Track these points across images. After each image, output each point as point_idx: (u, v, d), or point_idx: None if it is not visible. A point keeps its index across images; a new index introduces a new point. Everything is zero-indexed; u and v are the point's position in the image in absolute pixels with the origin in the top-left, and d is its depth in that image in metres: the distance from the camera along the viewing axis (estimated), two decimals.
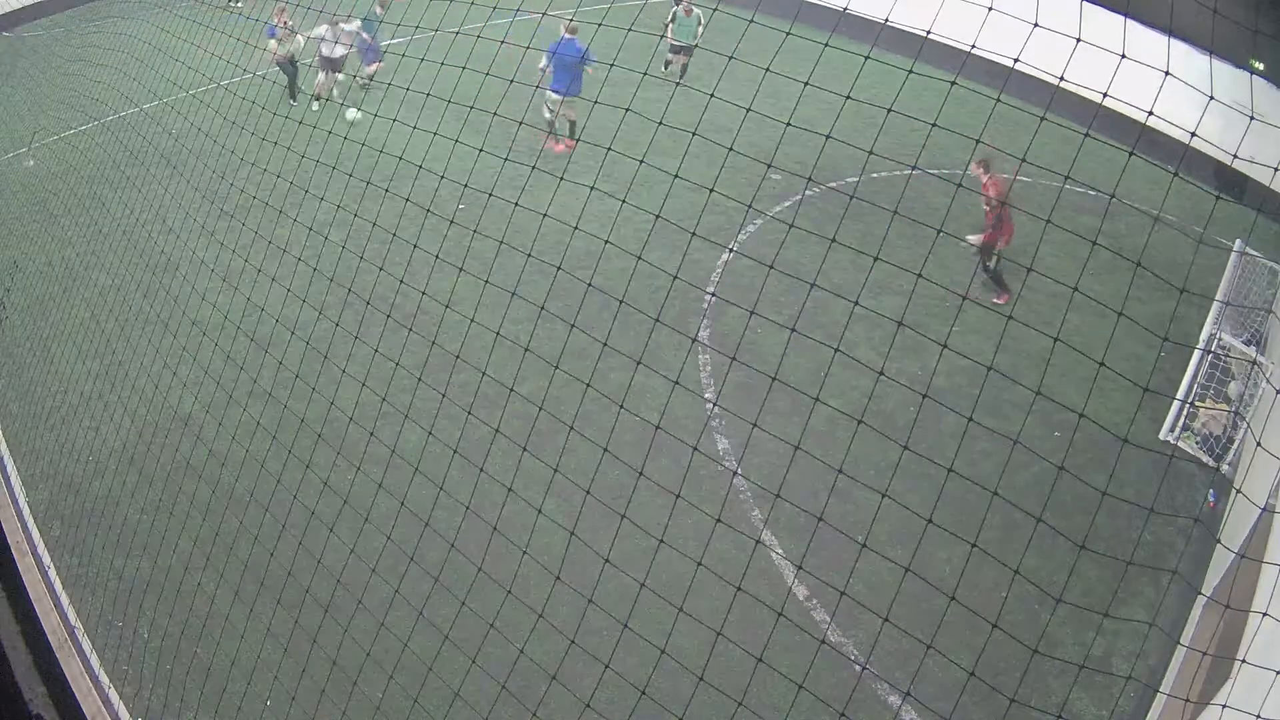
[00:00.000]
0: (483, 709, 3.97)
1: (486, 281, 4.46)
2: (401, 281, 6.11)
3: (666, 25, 13.31)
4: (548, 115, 10.79)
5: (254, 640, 4.50)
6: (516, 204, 4.01)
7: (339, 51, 12.24)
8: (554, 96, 10.51)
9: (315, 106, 11.97)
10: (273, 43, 12.15)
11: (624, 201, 4.46)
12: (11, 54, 14.36)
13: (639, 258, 5.46)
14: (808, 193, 10.16)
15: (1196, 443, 6.58)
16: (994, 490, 3.13)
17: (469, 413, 4.26)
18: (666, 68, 13.57)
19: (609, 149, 3.57)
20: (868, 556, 4.62)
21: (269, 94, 11.46)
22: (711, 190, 4.06)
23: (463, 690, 3.81)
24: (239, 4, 15.98)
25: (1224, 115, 3.29)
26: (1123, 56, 2.89)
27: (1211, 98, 2.98)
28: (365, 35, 12.55)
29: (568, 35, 10.22)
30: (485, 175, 6.60)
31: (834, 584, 4.84)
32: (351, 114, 11.05)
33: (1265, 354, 6.93)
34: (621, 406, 4.25)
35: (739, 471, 5.96)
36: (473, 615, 4.07)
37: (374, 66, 12.86)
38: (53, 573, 4.88)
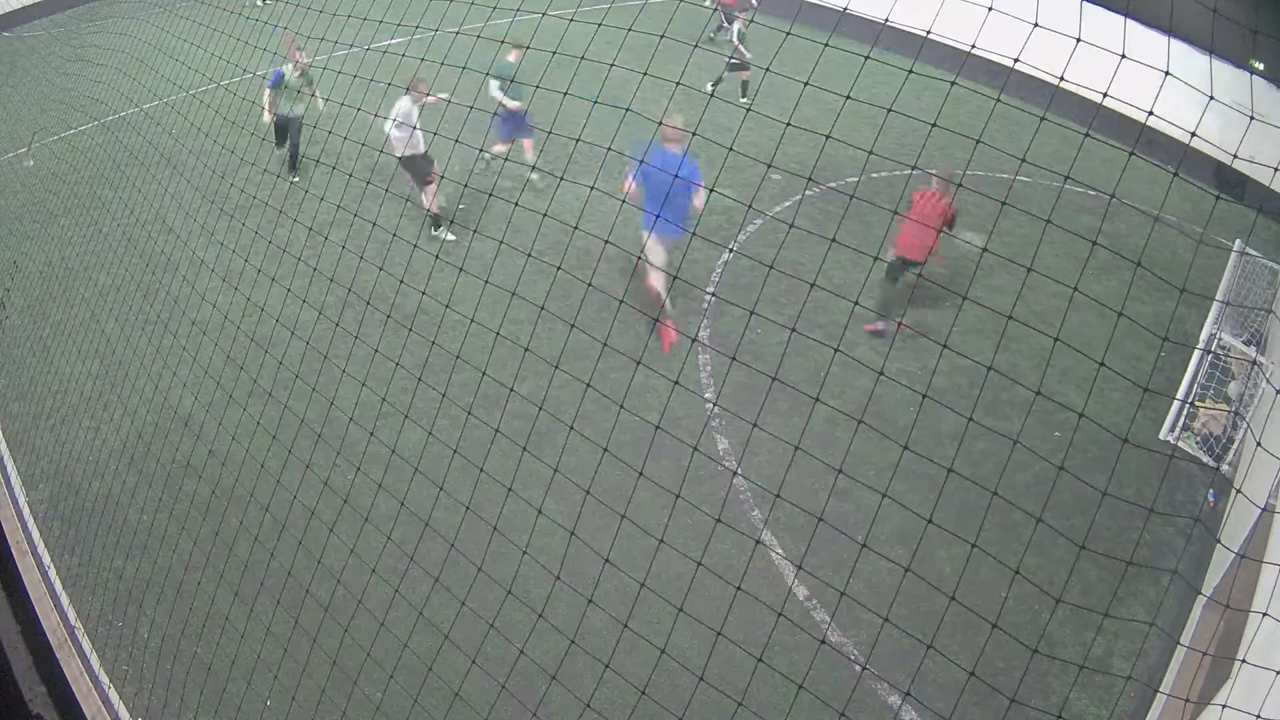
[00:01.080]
0: (483, 709, 3.97)
1: (486, 281, 4.46)
2: (401, 281, 6.11)
3: (738, 46, 12.25)
4: (656, 293, 7.09)
5: (254, 640, 4.50)
6: (516, 204, 4.01)
7: (418, 143, 8.29)
8: (656, 248, 6.78)
9: (447, 234, 8.65)
10: (268, 95, 9.35)
11: (624, 201, 4.47)
12: (11, 54, 14.37)
13: (639, 257, 5.46)
14: (808, 193, 10.16)
15: (1196, 443, 6.58)
16: (994, 490, 3.14)
17: (469, 413, 4.26)
18: (745, 92, 12.53)
19: (609, 149, 3.57)
20: (868, 556, 4.62)
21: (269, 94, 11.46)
22: (711, 190, 4.06)
23: (463, 690, 3.81)
24: (259, 1, 14.92)
25: (1224, 115, 3.29)
26: (1123, 56, 2.89)
27: (1211, 98, 2.98)
28: (503, 99, 9.13)
29: (670, 147, 6.51)
30: (485, 175, 6.61)
31: (834, 584, 4.84)
32: (442, 232, 8.63)
33: (1265, 354, 6.93)
34: (621, 406, 4.25)
35: (739, 471, 5.95)
36: (473, 615, 4.07)
37: (526, 142, 9.52)
38: (53, 573, 4.88)
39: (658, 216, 6.33)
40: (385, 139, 8.09)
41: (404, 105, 8.05)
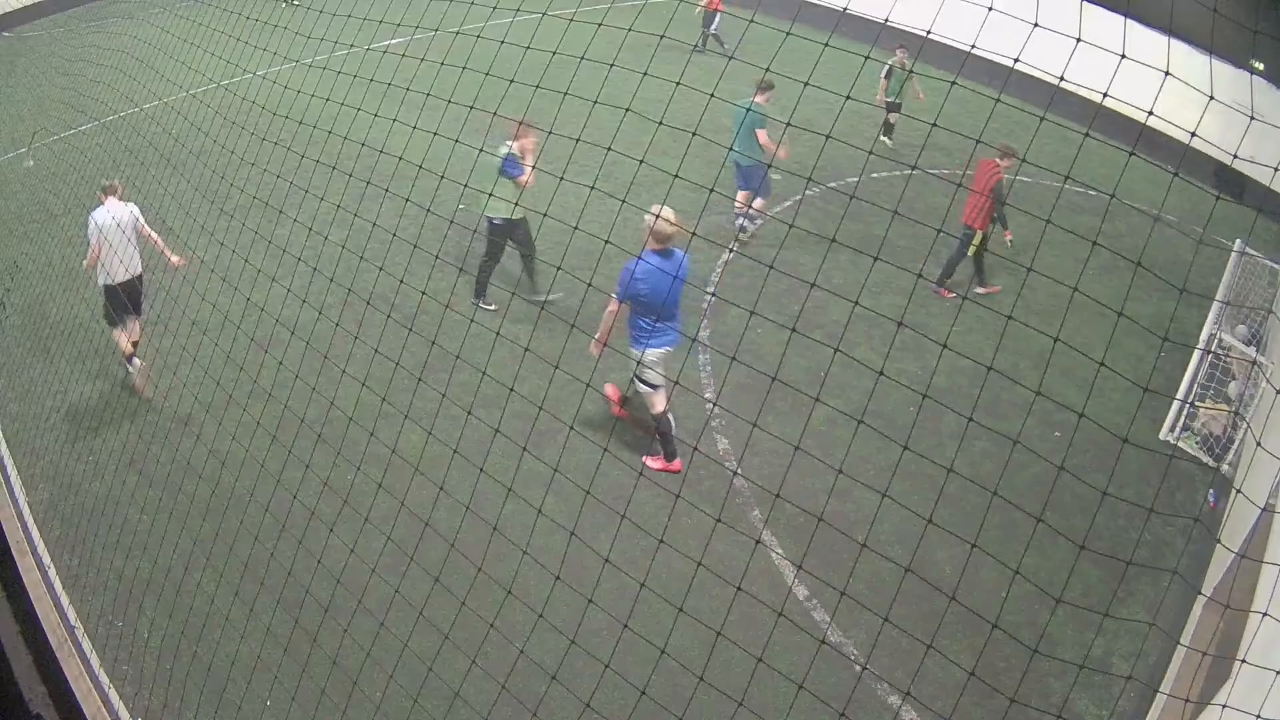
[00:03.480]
0: (483, 709, 3.97)
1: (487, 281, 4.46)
2: (401, 281, 6.11)
3: (881, 82, 11.43)
4: None
5: (254, 640, 4.51)
6: (516, 204, 4.01)
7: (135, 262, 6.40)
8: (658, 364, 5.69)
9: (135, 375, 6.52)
10: (511, 187, 6.97)
11: (624, 201, 4.46)
12: (11, 54, 14.37)
13: (639, 258, 5.46)
14: (808, 193, 10.16)
15: (1196, 443, 6.58)
16: (994, 490, 3.13)
17: (469, 413, 4.26)
18: (889, 136, 11.80)
19: (609, 149, 3.57)
20: (868, 556, 4.62)
21: (269, 94, 11.47)
22: (711, 190, 4.07)
23: (463, 690, 3.81)
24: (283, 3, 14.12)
25: (1224, 115, 3.29)
26: (1123, 56, 2.88)
27: (1211, 98, 2.98)
28: (771, 145, 8.38)
29: (660, 247, 5.49)
30: (485, 174, 6.61)
31: (834, 584, 4.84)
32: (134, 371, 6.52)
33: (1265, 354, 6.94)
34: (621, 406, 4.24)
35: (739, 471, 5.95)
36: (473, 615, 4.07)
37: (759, 203, 8.90)
38: (53, 573, 4.87)
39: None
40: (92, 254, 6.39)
41: (116, 210, 6.38)
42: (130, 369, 6.66)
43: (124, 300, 6.45)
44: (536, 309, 6.18)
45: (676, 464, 5.91)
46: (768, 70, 3.47)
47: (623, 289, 5.48)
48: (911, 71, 11.04)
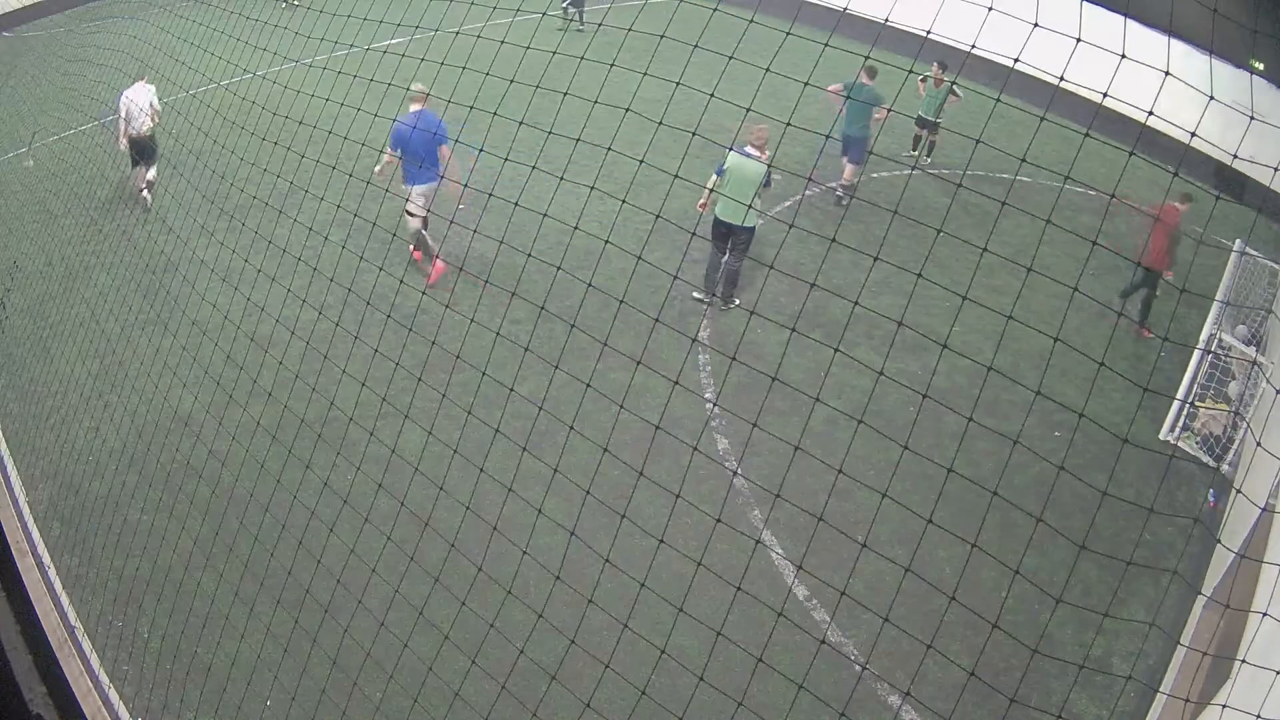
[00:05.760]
0: (483, 709, 3.96)
1: (486, 281, 4.46)
2: (401, 281, 6.12)
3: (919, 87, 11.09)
4: None
5: (254, 640, 4.51)
6: (516, 204, 4.01)
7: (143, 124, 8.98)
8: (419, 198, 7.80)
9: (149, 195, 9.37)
10: (755, 198, 7.19)
11: (624, 201, 4.48)
12: (11, 54, 14.35)
13: (639, 258, 5.45)
14: (807, 193, 10.16)
15: (1196, 443, 6.58)
16: (994, 490, 3.13)
17: (469, 413, 4.26)
18: (917, 147, 11.38)
19: (609, 149, 3.57)
20: (868, 556, 4.61)
21: (269, 94, 11.45)
22: (711, 190, 4.06)
23: (463, 690, 3.81)
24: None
25: (1224, 115, 3.28)
26: (1123, 56, 2.88)
27: (1211, 98, 2.98)
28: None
29: (415, 106, 7.67)
30: (485, 175, 6.60)
31: (834, 584, 4.84)
32: (147, 195, 9.29)
33: (1265, 354, 6.94)
34: (621, 406, 4.25)
35: (739, 471, 5.95)
36: (473, 615, 4.07)
37: (850, 170, 9.83)
38: (53, 573, 4.87)
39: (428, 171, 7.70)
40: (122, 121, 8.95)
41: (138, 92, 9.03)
42: (146, 195, 9.26)
43: (137, 149, 9.16)
44: (536, 309, 6.19)
45: (438, 267, 7.83)
46: (767, 69, 3.46)
47: (393, 141, 7.58)
48: (952, 83, 10.54)
